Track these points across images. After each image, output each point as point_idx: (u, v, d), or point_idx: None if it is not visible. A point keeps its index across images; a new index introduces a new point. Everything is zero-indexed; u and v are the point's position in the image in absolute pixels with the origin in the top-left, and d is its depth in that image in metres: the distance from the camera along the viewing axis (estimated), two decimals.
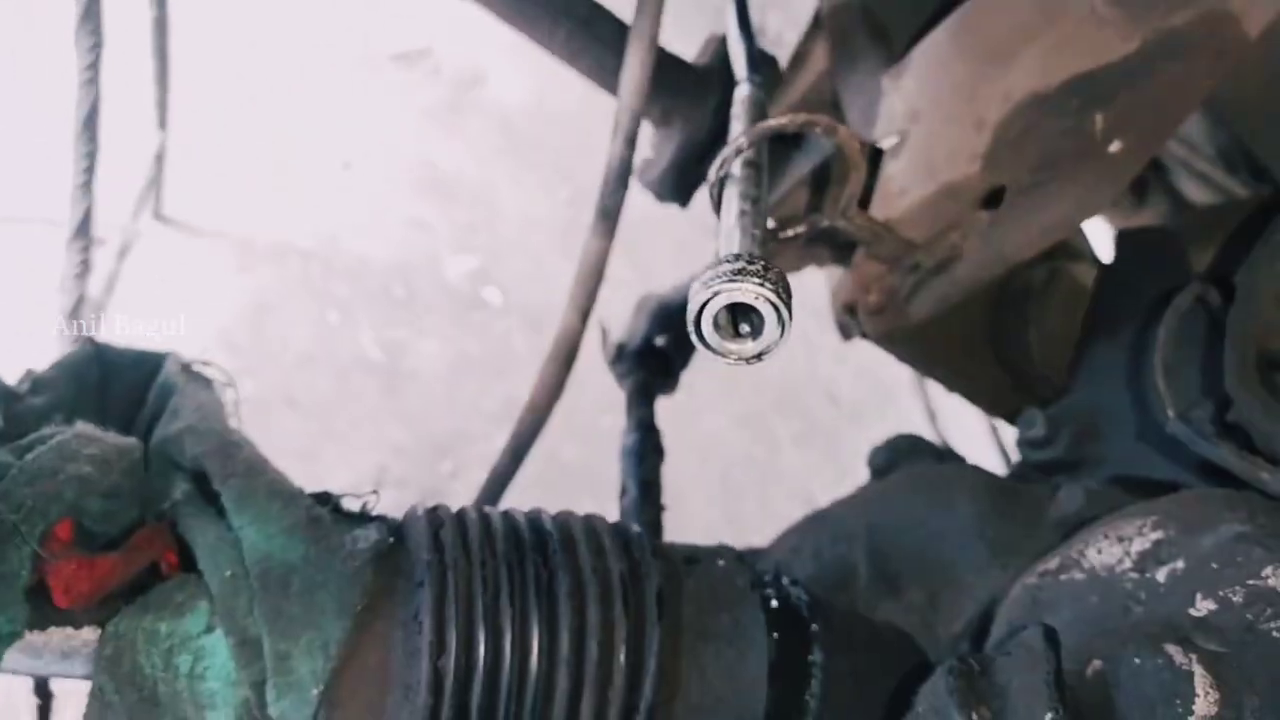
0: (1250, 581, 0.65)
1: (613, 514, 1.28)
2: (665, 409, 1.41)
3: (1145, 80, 0.84)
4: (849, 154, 0.87)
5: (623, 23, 1.11)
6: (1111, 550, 0.74)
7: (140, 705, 0.68)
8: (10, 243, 2.42)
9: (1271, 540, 0.67)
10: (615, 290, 1.25)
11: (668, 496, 1.30)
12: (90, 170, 1.64)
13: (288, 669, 0.68)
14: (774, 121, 0.80)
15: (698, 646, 0.76)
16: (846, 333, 1.14)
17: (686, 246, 2.91)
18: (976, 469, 1.04)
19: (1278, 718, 0.61)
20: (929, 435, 1.26)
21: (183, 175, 2.70)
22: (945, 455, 1.18)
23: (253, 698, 0.68)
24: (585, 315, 1.09)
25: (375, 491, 0.79)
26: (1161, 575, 0.70)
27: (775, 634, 0.78)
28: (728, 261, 0.60)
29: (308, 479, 0.78)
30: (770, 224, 0.94)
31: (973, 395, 1.23)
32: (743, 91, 0.95)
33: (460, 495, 2.35)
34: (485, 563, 0.73)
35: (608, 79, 1.12)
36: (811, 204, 1.06)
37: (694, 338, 0.60)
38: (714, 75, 1.19)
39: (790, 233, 0.93)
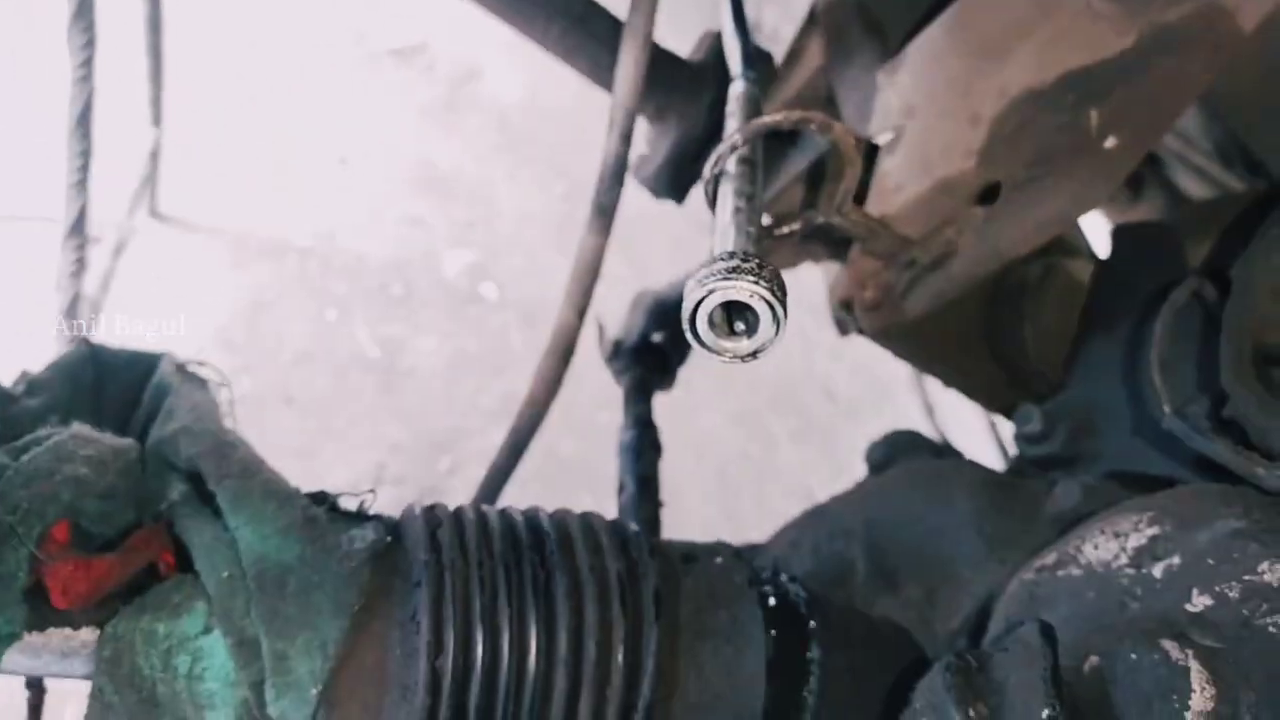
0: (1246, 577, 0.65)
1: (611, 509, 1.28)
2: (662, 406, 1.41)
3: (1140, 76, 0.84)
4: (844, 150, 0.87)
5: (617, 19, 1.11)
6: (1108, 546, 0.74)
7: (140, 706, 0.68)
8: (7, 241, 2.42)
9: (1267, 535, 0.67)
10: (612, 287, 1.25)
11: (665, 493, 1.30)
12: (85, 168, 1.64)
13: (286, 669, 0.68)
14: (768, 118, 0.80)
15: (695, 645, 0.76)
16: (843, 329, 1.14)
17: (683, 243, 2.91)
18: (974, 464, 1.04)
19: (1274, 712, 0.61)
20: (927, 431, 1.26)
21: (179, 172, 2.69)
22: (943, 451, 1.18)
23: (252, 698, 0.68)
24: (581, 312, 1.08)
25: (372, 491, 0.79)
26: (1158, 571, 0.70)
27: (773, 631, 0.78)
28: (722, 260, 0.60)
29: (306, 476, 0.78)
30: (766, 220, 0.94)
31: (969, 391, 1.23)
32: (737, 88, 0.95)
33: (459, 492, 2.36)
34: (482, 563, 0.73)
35: (602, 76, 1.12)
36: (807, 200, 1.06)
37: (689, 336, 0.60)
38: (709, 71, 1.18)
39: (786, 229, 0.93)
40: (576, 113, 2.91)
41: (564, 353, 1.09)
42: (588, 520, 0.80)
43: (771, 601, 0.80)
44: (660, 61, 1.15)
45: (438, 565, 0.73)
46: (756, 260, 0.59)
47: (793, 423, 2.89)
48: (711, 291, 0.59)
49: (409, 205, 2.98)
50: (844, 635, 0.82)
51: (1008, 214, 0.93)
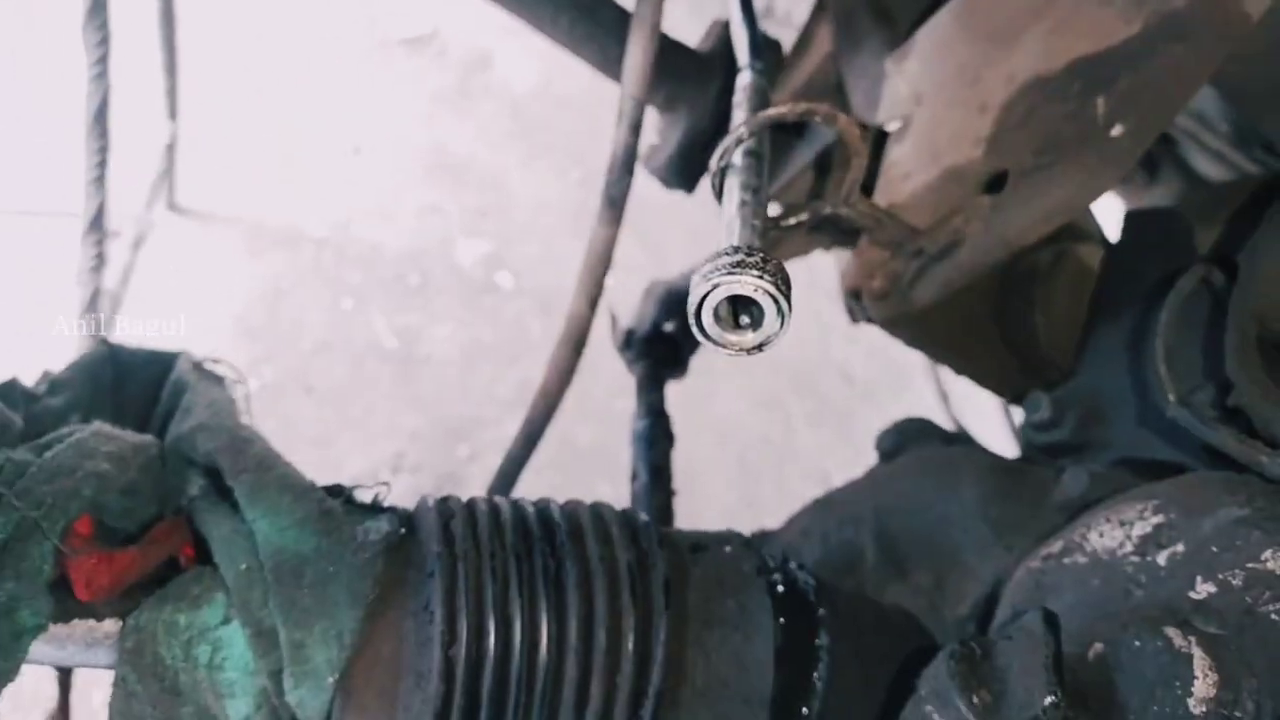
0: (1249, 565, 0.66)
1: (626, 497, 1.29)
2: (680, 393, 1.42)
3: (1147, 63, 0.84)
4: (849, 141, 0.87)
5: (625, 10, 1.11)
6: (1113, 534, 0.75)
7: (162, 695, 0.70)
8: (29, 236, 2.45)
9: (1270, 524, 0.67)
10: (628, 275, 1.25)
11: (685, 479, 1.30)
12: (103, 164, 1.65)
13: (304, 658, 0.69)
14: (773, 111, 0.80)
15: (704, 633, 0.77)
16: (853, 317, 1.15)
17: (699, 231, 2.91)
18: (983, 451, 1.04)
19: (1276, 699, 0.62)
20: (942, 415, 1.27)
21: (195, 165, 2.71)
22: (953, 438, 1.18)
23: (270, 686, 0.70)
24: (594, 303, 1.09)
25: (386, 483, 0.80)
26: (1162, 559, 0.71)
27: (781, 619, 0.79)
28: (727, 254, 0.60)
29: (323, 465, 0.79)
30: (774, 211, 0.94)
31: (980, 378, 1.23)
32: (744, 79, 0.95)
33: (477, 479, 2.38)
34: (495, 554, 0.75)
35: (611, 66, 1.12)
36: (814, 191, 1.06)
37: (695, 329, 0.61)
38: (717, 60, 1.19)
39: (793, 220, 0.93)
40: (590, 99, 2.92)
41: (577, 343, 1.10)
42: (598, 511, 0.81)
43: (780, 589, 0.81)
44: (669, 51, 1.15)
45: (451, 556, 0.74)
46: (761, 254, 0.60)
47: (810, 407, 2.89)
48: (716, 286, 0.59)
49: (423, 194, 2.99)
50: (852, 622, 0.82)
51: (1015, 202, 0.93)
